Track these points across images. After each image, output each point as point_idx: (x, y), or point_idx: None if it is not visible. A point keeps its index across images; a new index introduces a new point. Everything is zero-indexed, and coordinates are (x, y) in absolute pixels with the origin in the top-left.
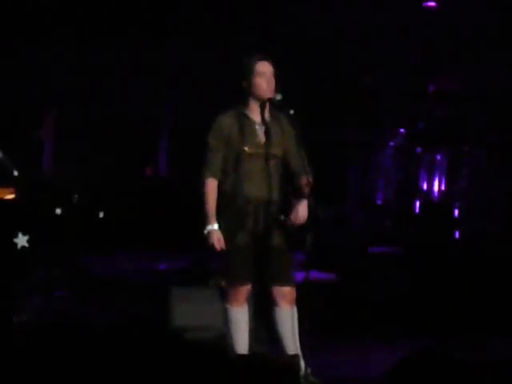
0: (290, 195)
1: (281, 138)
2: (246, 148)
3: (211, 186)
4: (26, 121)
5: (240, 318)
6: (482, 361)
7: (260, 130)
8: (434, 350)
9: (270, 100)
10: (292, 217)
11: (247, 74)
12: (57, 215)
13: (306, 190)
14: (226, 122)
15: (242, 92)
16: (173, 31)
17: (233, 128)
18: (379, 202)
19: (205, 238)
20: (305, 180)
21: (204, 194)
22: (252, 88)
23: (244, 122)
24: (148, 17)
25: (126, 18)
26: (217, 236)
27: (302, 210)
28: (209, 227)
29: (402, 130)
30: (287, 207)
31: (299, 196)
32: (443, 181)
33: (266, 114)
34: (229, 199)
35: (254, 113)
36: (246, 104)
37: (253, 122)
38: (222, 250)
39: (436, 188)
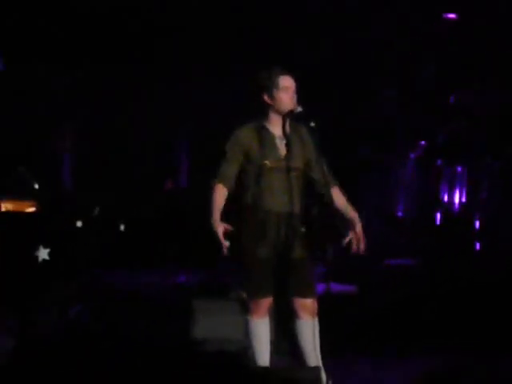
0: (311, 208)
1: (301, 151)
2: (266, 162)
3: (219, 192)
4: (46, 134)
5: (261, 330)
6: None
7: (281, 144)
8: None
9: (291, 112)
10: (354, 243)
11: (269, 87)
12: (78, 228)
13: (342, 197)
14: (245, 135)
15: (262, 105)
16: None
17: (252, 142)
18: (400, 214)
19: (211, 231)
20: (336, 189)
21: (210, 198)
22: (274, 102)
23: (264, 135)
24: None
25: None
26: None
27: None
28: (212, 220)
29: (422, 143)
30: (308, 219)
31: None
32: (464, 193)
33: (287, 127)
34: (250, 212)
35: (275, 126)
36: (266, 117)
37: (273, 136)
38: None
39: (457, 200)
